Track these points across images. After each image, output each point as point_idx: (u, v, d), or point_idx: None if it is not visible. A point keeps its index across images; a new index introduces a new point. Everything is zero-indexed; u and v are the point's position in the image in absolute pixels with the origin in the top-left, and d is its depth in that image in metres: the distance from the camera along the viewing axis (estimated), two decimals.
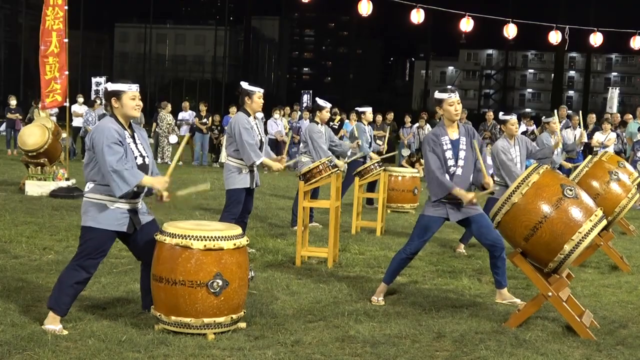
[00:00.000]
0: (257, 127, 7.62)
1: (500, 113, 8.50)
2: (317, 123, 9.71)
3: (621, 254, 8.24)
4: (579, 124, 12.96)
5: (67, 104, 12.81)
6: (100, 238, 4.92)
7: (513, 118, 8.23)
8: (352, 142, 11.24)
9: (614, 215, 7.72)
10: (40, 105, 14.71)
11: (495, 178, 8.17)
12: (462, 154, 5.96)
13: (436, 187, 5.86)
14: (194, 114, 21.30)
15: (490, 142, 16.39)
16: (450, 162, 5.92)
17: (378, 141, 15.16)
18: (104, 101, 14.77)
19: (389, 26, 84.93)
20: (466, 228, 6.17)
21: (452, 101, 5.96)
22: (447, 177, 5.88)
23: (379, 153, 12.75)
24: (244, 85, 7.63)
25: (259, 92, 7.60)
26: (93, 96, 26.20)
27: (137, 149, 5.02)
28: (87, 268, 4.94)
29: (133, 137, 5.04)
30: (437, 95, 6.04)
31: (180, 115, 20.83)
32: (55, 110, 20.31)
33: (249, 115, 7.58)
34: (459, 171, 5.93)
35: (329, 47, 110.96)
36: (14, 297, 5.63)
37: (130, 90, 4.99)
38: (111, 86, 5.05)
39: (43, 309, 5.12)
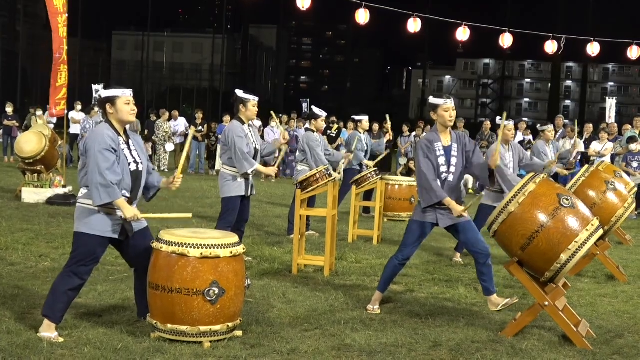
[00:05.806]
0: (252, 135, 7.62)
1: (497, 118, 8.56)
2: (313, 131, 9.73)
3: (617, 264, 8.23)
4: (576, 134, 12.98)
5: (65, 111, 12.83)
6: (92, 244, 4.91)
7: (510, 124, 8.31)
8: (348, 151, 11.24)
9: (611, 225, 7.74)
10: (47, 113, 14.78)
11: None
12: (453, 160, 5.99)
13: (427, 193, 5.87)
14: (184, 121, 21.29)
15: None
16: (443, 169, 5.95)
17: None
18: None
19: (386, 35, 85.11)
20: (454, 235, 6.18)
21: (447, 107, 5.98)
22: (439, 183, 5.91)
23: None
24: (239, 93, 7.63)
25: (253, 100, 7.60)
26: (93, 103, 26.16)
27: (132, 155, 5.01)
28: (80, 274, 4.93)
29: (127, 143, 5.04)
30: (432, 100, 6.06)
31: (171, 124, 20.71)
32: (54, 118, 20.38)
33: (243, 123, 7.57)
34: (450, 177, 5.96)
35: (326, 55, 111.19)
36: (10, 304, 5.62)
37: (124, 95, 4.98)
38: (105, 92, 5.03)
39: (39, 316, 5.10)
